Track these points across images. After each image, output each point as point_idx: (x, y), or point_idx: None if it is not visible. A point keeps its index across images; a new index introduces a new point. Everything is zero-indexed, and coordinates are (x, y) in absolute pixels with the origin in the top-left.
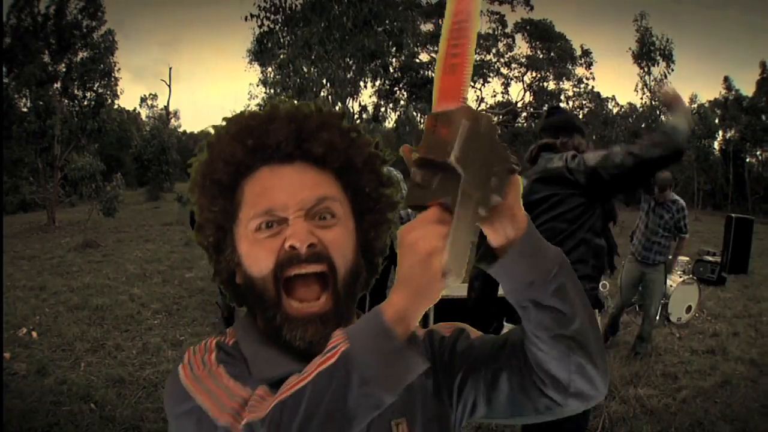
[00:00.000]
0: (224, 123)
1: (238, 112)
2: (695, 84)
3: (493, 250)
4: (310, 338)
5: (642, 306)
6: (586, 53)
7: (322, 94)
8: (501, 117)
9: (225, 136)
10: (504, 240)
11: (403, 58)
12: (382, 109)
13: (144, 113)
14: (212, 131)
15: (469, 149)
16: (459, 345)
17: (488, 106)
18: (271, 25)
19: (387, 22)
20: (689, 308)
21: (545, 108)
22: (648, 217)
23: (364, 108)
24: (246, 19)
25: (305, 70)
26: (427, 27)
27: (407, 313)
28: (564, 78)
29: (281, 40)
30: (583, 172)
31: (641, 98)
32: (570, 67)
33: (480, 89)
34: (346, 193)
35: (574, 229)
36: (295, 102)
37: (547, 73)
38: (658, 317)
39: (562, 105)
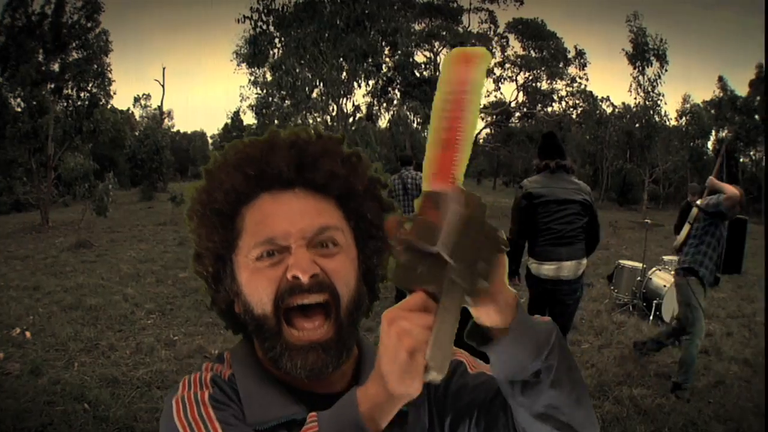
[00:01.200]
0: (223, 151)
1: (238, 139)
2: (689, 84)
3: (481, 331)
4: (310, 366)
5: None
6: (580, 54)
7: (314, 94)
8: (494, 117)
9: (225, 165)
10: (490, 323)
11: (396, 57)
12: (375, 109)
13: (137, 113)
14: (203, 129)
15: (457, 236)
16: (454, 383)
17: (482, 106)
18: (264, 27)
19: (382, 21)
20: None
21: (538, 107)
22: (721, 240)
23: (357, 107)
24: (239, 21)
25: (298, 71)
26: (420, 26)
27: (384, 408)
28: (557, 78)
29: (274, 41)
30: (596, 213)
31: (635, 98)
32: (563, 66)
33: None
34: (348, 221)
35: (584, 222)
36: (294, 127)
37: (540, 73)
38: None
39: (555, 104)
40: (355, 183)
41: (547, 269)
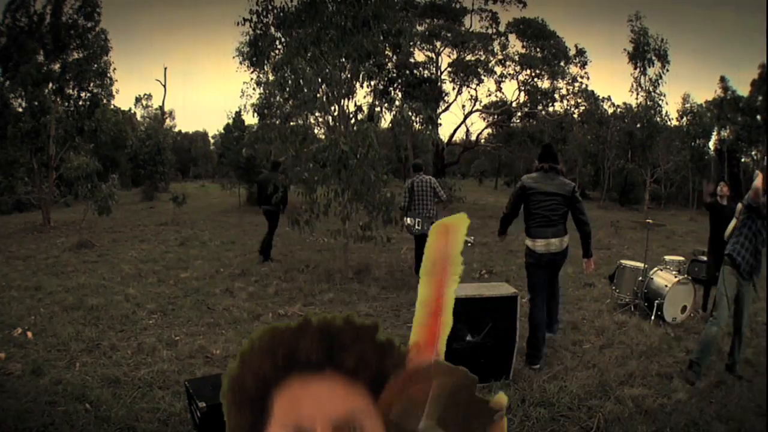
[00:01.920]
0: (258, 335)
1: (272, 324)
2: (691, 84)
3: None
4: None
5: (735, 325)
6: (580, 53)
7: (318, 95)
8: (496, 117)
9: (258, 350)
10: None
11: (395, 57)
12: (377, 109)
13: (139, 113)
14: (205, 129)
15: (444, 408)
16: None
17: (483, 105)
18: (265, 28)
19: (385, 23)
20: (684, 308)
21: (539, 107)
22: (757, 234)
23: (359, 108)
24: (238, 24)
25: (300, 71)
26: (421, 27)
27: None
28: (558, 77)
29: (275, 42)
30: (576, 201)
31: (636, 98)
32: (563, 65)
33: (475, 89)
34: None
35: (565, 210)
36: (325, 314)
37: (542, 72)
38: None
39: (556, 104)
40: (386, 369)
41: (540, 245)
